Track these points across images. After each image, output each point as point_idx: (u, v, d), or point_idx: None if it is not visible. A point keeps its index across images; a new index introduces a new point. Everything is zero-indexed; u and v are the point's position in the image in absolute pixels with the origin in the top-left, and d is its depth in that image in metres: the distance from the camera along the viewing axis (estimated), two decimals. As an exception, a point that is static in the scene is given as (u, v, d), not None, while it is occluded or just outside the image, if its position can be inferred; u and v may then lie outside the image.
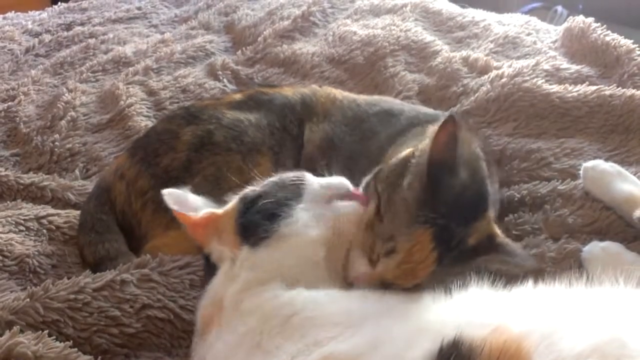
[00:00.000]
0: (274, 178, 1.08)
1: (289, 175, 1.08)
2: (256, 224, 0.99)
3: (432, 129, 1.04)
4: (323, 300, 0.90)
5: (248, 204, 1.04)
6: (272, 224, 0.98)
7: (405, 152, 1.12)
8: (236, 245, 1.00)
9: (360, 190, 1.09)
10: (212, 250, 1.04)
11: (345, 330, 0.82)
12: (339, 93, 1.56)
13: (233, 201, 1.07)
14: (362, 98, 1.55)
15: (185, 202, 1.10)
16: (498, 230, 1.10)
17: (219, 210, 1.07)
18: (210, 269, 1.04)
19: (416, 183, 1.03)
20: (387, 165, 1.12)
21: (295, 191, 1.03)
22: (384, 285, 1.02)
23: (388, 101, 1.56)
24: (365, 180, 1.11)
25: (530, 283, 0.87)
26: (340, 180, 1.08)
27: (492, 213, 1.12)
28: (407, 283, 1.02)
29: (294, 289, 0.92)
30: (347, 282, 1.03)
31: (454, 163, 1.04)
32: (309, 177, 1.07)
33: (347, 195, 1.06)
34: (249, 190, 1.07)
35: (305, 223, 0.99)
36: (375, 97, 1.59)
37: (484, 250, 1.05)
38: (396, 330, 0.80)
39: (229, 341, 0.89)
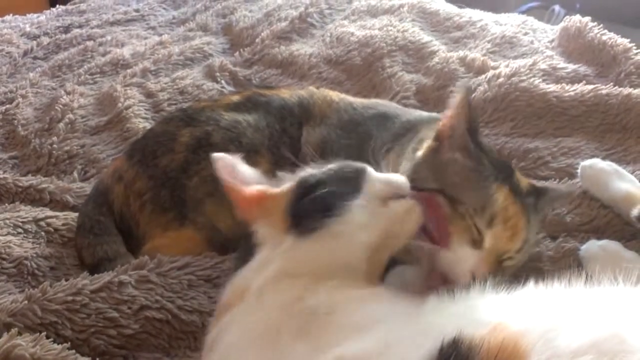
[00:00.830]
0: (336, 166, 1.02)
1: (351, 165, 1.02)
2: (309, 213, 0.93)
3: (455, 100, 1.13)
4: (343, 303, 0.88)
5: (306, 190, 0.97)
6: (325, 218, 0.92)
7: (425, 147, 1.19)
8: (284, 229, 0.94)
9: None
10: (258, 229, 0.98)
11: (357, 333, 0.82)
12: (335, 95, 1.56)
13: (290, 182, 1.00)
14: (358, 101, 1.55)
15: (236, 171, 1.02)
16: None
17: (273, 189, 1.00)
18: (247, 250, 0.99)
19: (466, 154, 1.12)
20: (418, 163, 1.17)
21: (355, 185, 0.96)
22: (496, 269, 1.07)
23: (384, 105, 1.56)
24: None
25: (531, 283, 0.87)
26: (400, 179, 1.02)
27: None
28: (516, 245, 1.08)
29: (319, 290, 0.89)
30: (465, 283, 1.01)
31: (478, 127, 1.16)
32: (371, 172, 1.00)
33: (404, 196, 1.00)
34: (309, 174, 1.00)
35: (358, 224, 0.93)
36: (372, 101, 1.59)
37: (537, 195, 1.16)
38: (403, 331, 0.81)
39: (244, 331, 0.88)
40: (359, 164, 1.01)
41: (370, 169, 1.01)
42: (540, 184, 1.21)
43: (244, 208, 1.00)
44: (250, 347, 0.86)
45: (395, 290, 0.96)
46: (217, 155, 1.03)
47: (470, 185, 1.10)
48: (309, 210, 0.93)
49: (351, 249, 0.93)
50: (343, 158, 1.34)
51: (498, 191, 1.09)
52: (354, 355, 0.79)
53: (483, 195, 1.08)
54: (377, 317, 0.85)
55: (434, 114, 1.56)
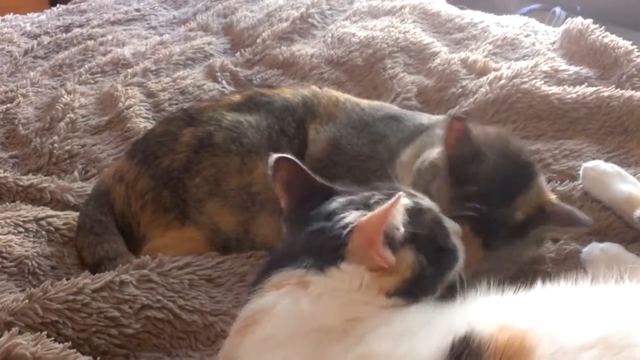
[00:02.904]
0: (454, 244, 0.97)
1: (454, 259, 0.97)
2: (415, 293, 0.90)
3: (440, 133, 1.12)
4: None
5: (421, 271, 0.91)
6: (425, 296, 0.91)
7: (431, 158, 1.19)
8: (386, 292, 0.88)
9: None
10: (352, 266, 0.88)
11: (381, 332, 0.83)
12: (340, 95, 1.56)
13: (409, 257, 0.90)
14: (365, 102, 1.55)
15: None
16: (551, 197, 1.16)
17: (393, 259, 0.89)
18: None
19: (443, 184, 1.11)
20: (421, 169, 1.19)
21: (452, 268, 0.96)
22: None
23: (390, 107, 1.57)
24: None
25: (538, 284, 0.88)
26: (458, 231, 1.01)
27: (542, 180, 1.17)
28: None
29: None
30: None
31: (474, 153, 1.11)
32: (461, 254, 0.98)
33: None
34: (425, 262, 0.91)
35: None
36: (377, 102, 1.60)
37: (537, 222, 1.11)
38: (419, 331, 0.82)
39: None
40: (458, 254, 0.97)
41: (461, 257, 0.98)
42: (553, 205, 1.14)
43: (367, 251, 0.89)
44: None
45: None
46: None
47: None
48: (416, 289, 0.90)
49: None
50: (353, 156, 1.37)
51: None
52: (377, 352, 0.80)
53: None
54: (400, 319, 0.86)
55: (441, 117, 1.56)
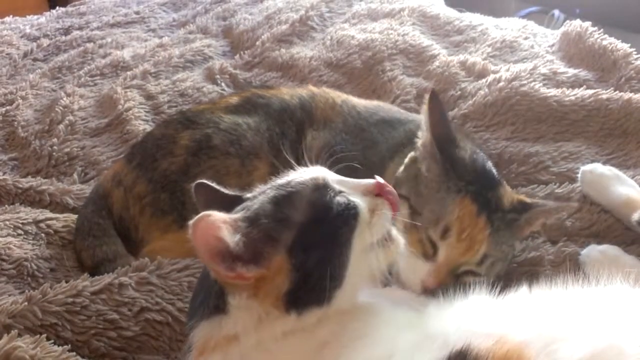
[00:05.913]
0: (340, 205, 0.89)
1: (348, 202, 0.90)
2: (310, 297, 0.85)
3: (422, 108, 1.18)
4: (349, 321, 0.87)
5: (304, 272, 0.85)
6: (327, 294, 0.84)
7: (409, 156, 1.22)
8: (280, 309, 0.85)
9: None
10: (236, 298, 0.86)
11: (361, 342, 0.83)
12: (337, 97, 1.56)
13: (281, 260, 0.85)
14: (361, 105, 1.54)
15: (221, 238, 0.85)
16: (524, 197, 1.21)
17: (264, 271, 0.85)
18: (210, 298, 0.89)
19: (432, 162, 1.14)
20: (400, 172, 1.22)
21: (350, 230, 0.88)
22: (456, 277, 1.09)
23: (387, 110, 1.56)
24: None
25: (525, 288, 0.88)
26: (367, 184, 0.94)
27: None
28: (474, 257, 1.08)
29: (329, 321, 0.86)
30: (418, 293, 1.07)
31: (454, 136, 1.17)
32: (361, 206, 0.90)
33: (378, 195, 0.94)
34: (301, 247, 0.86)
35: (354, 282, 0.88)
36: (374, 104, 1.59)
37: (523, 208, 1.15)
38: (406, 337, 0.82)
39: None
40: (351, 199, 0.91)
41: (358, 201, 0.91)
42: (531, 200, 1.20)
43: (231, 282, 0.87)
44: None
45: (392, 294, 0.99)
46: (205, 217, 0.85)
47: (430, 196, 1.12)
48: (310, 294, 0.85)
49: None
50: (347, 162, 1.36)
51: (457, 202, 1.10)
52: None
53: (439, 207, 1.10)
54: (380, 326, 0.85)
55: None
